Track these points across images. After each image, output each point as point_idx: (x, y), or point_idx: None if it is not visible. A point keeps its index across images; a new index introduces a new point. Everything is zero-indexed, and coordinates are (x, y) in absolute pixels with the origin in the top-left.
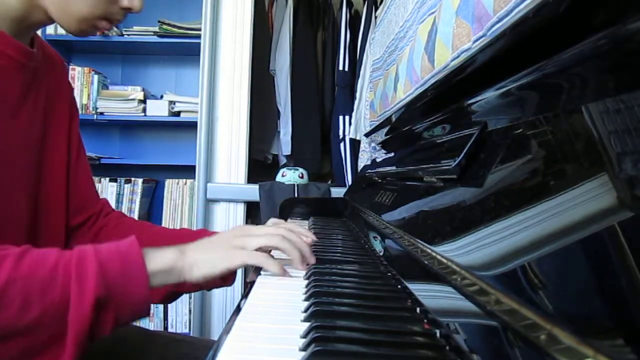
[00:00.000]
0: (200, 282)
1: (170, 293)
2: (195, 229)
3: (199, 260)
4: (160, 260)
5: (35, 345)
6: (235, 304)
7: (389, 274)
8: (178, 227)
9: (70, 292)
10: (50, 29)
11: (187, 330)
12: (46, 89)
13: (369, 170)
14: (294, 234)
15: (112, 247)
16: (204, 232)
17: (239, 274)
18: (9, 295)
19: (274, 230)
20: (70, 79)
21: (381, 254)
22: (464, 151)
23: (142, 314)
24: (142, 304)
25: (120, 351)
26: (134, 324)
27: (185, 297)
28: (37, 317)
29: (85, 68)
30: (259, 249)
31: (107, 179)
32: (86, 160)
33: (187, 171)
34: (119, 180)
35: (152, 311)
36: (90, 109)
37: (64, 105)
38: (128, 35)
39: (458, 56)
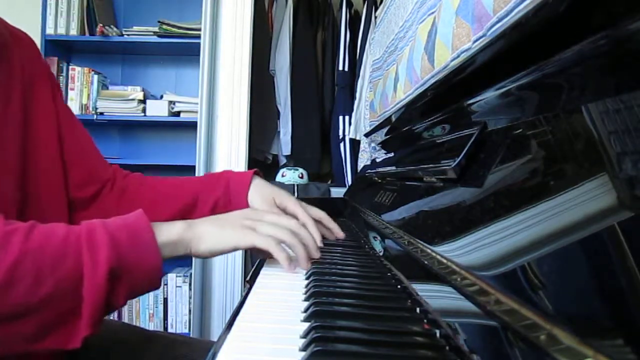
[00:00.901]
0: (206, 255)
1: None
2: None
3: (207, 234)
4: (168, 233)
5: (51, 321)
6: (235, 304)
7: (389, 274)
8: None
9: (83, 264)
10: (50, 29)
11: (187, 331)
12: (19, 63)
13: (369, 170)
14: (305, 230)
15: (119, 220)
16: (228, 173)
17: (239, 273)
18: (21, 270)
19: (285, 222)
20: (70, 79)
21: (381, 254)
22: (464, 151)
23: (154, 285)
24: (154, 274)
25: (120, 352)
26: (134, 324)
27: (185, 297)
28: (51, 291)
29: (85, 68)
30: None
31: None
32: (84, 131)
33: (187, 171)
34: None
35: (151, 311)
36: (90, 109)
37: (43, 82)
38: (128, 35)
39: (458, 56)
